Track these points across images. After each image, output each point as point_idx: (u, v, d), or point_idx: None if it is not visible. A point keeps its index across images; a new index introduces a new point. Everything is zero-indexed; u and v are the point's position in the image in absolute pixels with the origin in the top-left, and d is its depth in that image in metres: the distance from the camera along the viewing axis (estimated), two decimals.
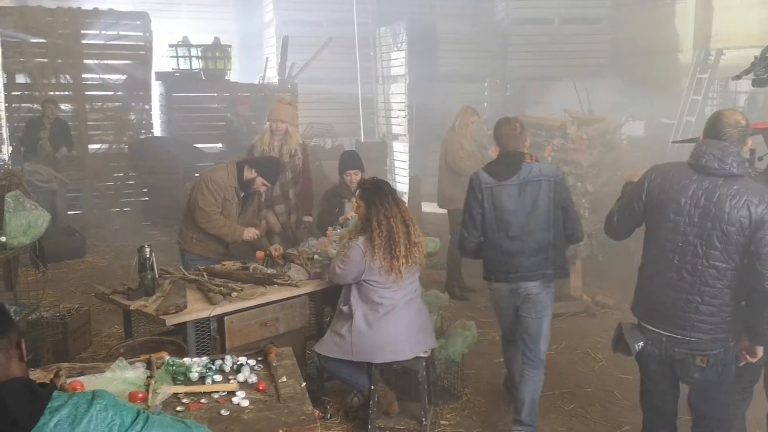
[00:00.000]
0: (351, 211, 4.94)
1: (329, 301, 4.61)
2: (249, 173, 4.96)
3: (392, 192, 4.05)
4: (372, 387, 4.05)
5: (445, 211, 7.09)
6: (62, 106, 9.90)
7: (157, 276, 4.13)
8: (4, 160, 9.18)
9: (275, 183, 5.31)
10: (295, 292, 4.30)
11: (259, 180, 4.97)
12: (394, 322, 3.96)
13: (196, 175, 7.50)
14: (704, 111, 10.14)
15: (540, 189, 3.97)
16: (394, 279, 3.91)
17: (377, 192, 3.99)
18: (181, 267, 4.66)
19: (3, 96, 10.03)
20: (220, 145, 11.00)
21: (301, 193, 5.83)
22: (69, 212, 9.42)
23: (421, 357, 4.09)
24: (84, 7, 10.32)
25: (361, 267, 3.92)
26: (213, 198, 4.87)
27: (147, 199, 10.24)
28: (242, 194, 5.06)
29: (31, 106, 9.72)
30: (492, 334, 5.84)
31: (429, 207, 9.97)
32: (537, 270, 4.00)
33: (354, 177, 5.30)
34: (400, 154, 12.41)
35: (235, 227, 4.94)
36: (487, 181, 4.03)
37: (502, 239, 4.01)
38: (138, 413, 1.84)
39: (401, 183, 11.94)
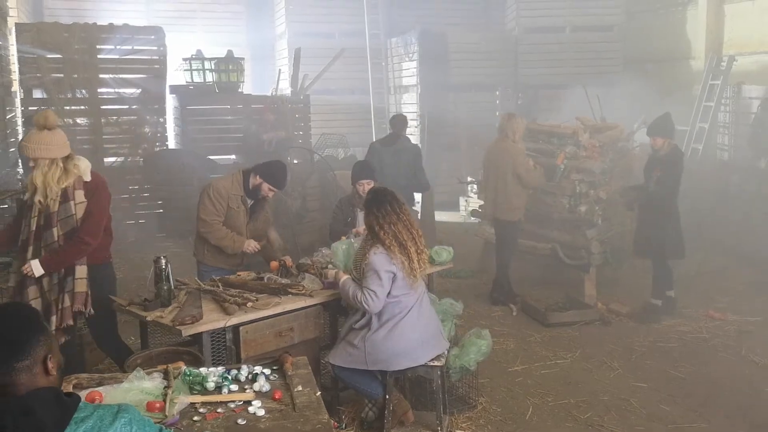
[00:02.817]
0: (363, 224, 4.96)
1: (344, 311, 4.63)
2: (254, 180, 4.90)
3: (393, 200, 4.07)
4: (387, 396, 4.07)
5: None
6: (78, 120, 10.03)
7: (173, 287, 4.16)
8: (21, 175, 9.29)
9: (282, 188, 5.15)
10: (310, 301, 4.31)
11: (265, 186, 4.89)
12: (407, 329, 3.98)
13: None
14: (717, 117, 10.09)
15: (405, 155, 7.19)
16: (411, 282, 3.95)
17: (375, 200, 4.07)
18: (196, 278, 4.69)
19: (20, 111, 10.17)
20: (233, 156, 11.07)
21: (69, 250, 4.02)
22: None
23: (436, 365, 4.09)
24: (99, 23, 10.44)
25: (392, 267, 3.92)
26: (214, 207, 4.83)
27: (161, 211, 10.32)
28: (251, 203, 4.99)
29: None
30: (507, 343, 5.84)
31: (443, 216, 9.98)
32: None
33: (366, 186, 5.33)
34: None
35: (234, 239, 4.86)
36: (378, 148, 7.29)
37: (384, 182, 6.08)
38: (160, 429, 1.89)
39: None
